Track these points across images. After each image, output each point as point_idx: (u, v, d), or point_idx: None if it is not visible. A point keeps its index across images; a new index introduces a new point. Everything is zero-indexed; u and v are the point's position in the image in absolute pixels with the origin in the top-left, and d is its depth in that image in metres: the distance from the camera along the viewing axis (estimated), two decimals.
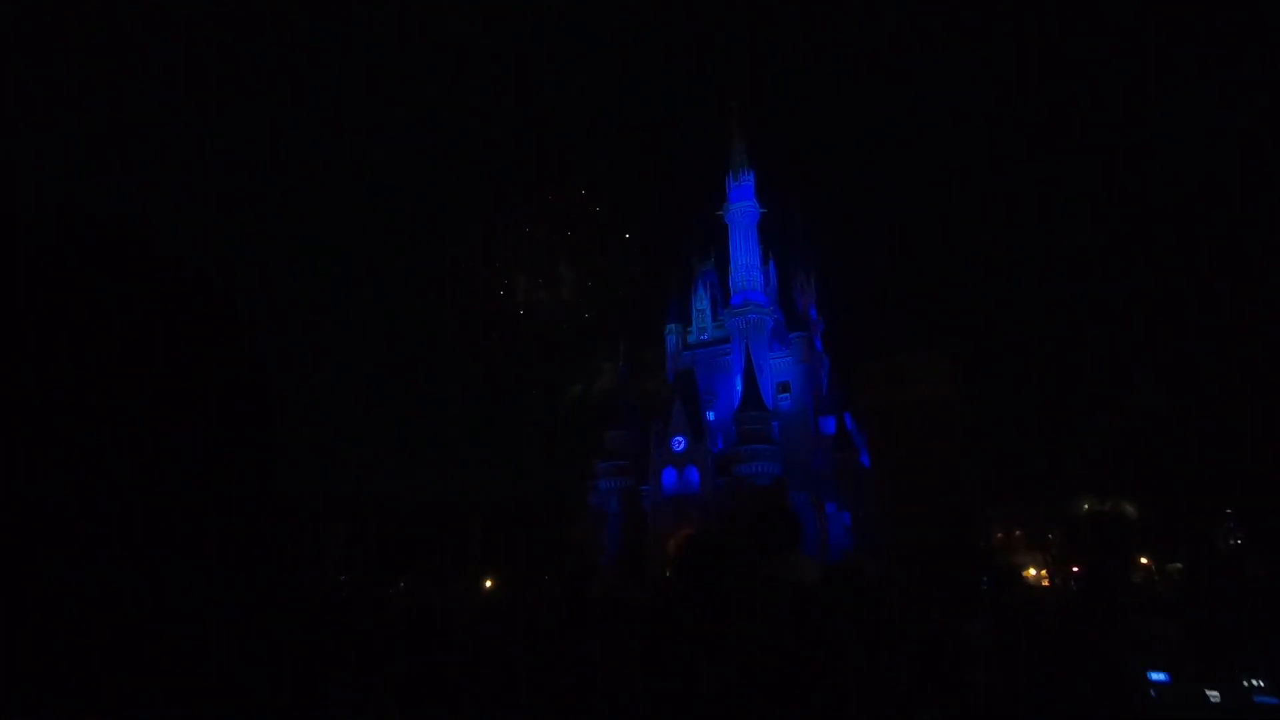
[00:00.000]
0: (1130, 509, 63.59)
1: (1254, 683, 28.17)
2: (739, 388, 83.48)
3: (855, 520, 77.93)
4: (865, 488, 78.90)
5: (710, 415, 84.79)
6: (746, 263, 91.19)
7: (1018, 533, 71.40)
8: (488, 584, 76.03)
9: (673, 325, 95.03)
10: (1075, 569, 60.65)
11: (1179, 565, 56.83)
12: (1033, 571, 67.89)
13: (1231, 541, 58.32)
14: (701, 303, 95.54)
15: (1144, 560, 61.85)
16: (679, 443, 79.34)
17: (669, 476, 78.94)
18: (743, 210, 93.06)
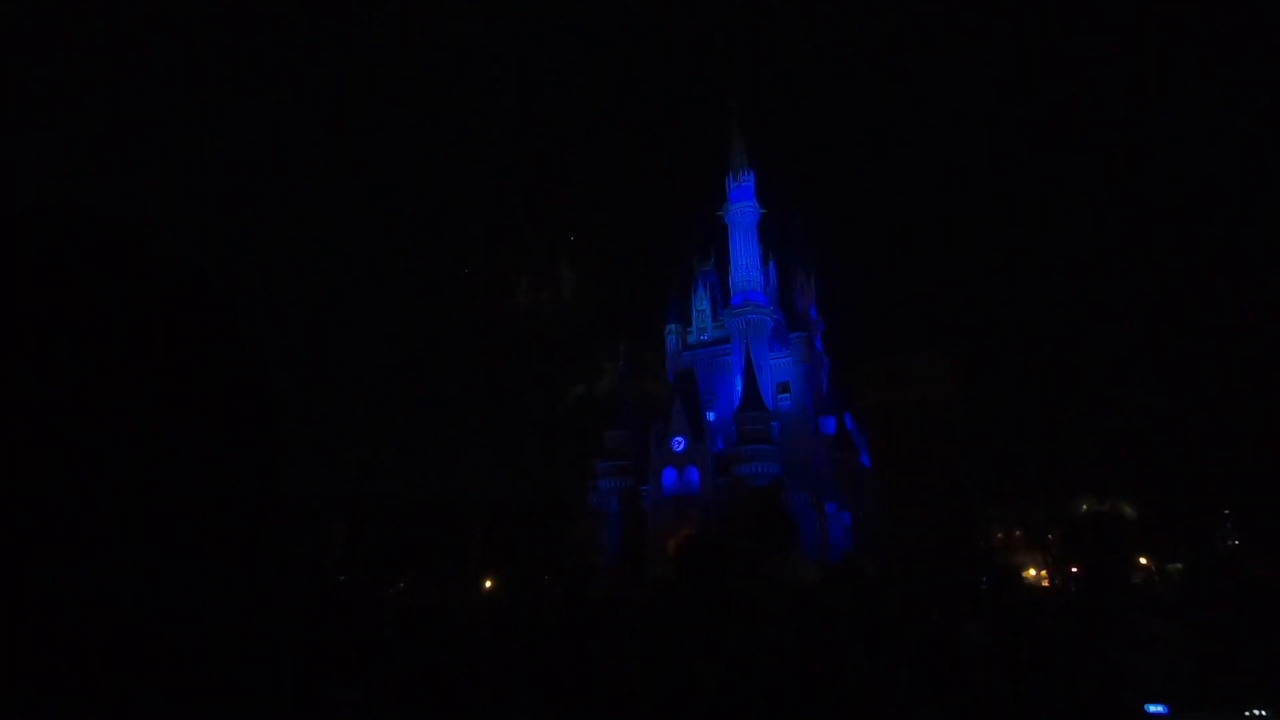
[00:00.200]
0: (1129, 510, 63.57)
1: (1258, 713, 25.05)
2: (739, 388, 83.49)
3: (855, 520, 77.92)
4: (865, 488, 78.87)
5: (710, 415, 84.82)
6: (746, 263, 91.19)
7: (1018, 533, 71.31)
8: (488, 584, 76.00)
9: (673, 325, 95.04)
10: (1074, 569, 60.62)
11: (1179, 566, 56.82)
12: (1033, 572, 67.84)
13: (1230, 542, 58.29)
14: (701, 303, 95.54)
15: (1144, 561, 61.82)
16: (679, 443, 79.35)
17: (669, 476, 78.95)
18: (742, 211, 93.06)
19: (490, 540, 78.65)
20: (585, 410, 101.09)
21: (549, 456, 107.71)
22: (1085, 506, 64.75)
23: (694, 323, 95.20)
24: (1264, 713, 24.13)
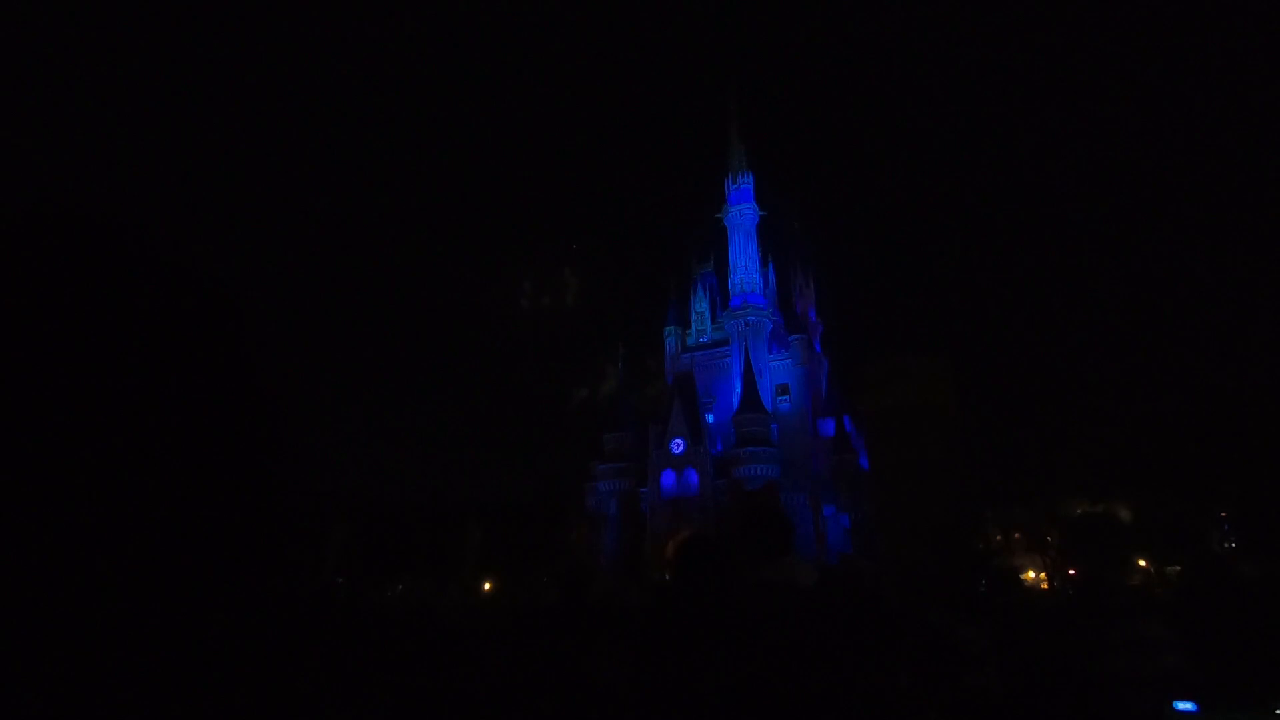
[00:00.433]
0: (1125, 511, 63.57)
1: None
2: (738, 390, 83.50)
3: (853, 522, 77.94)
4: (864, 490, 78.89)
5: (709, 417, 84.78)
6: (745, 265, 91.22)
7: (1017, 535, 71.31)
8: (486, 586, 75.97)
9: (672, 327, 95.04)
10: (1072, 572, 60.63)
11: (1177, 568, 56.82)
12: (1032, 574, 67.85)
13: (1227, 545, 58.33)
14: (701, 305, 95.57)
15: (1142, 563, 61.83)
16: (678, 445, 79.33)
17: (668, 479, 78.92)
18: (741, 213, 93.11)
19: (489, 542, 78.67)
20: (584, 412, 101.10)
21: (547, 458, 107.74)
22: (1082, 509, 64.75)
23: (693, 325, 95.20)
24: None
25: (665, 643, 3.04)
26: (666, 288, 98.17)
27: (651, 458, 79.99)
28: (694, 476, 77.86)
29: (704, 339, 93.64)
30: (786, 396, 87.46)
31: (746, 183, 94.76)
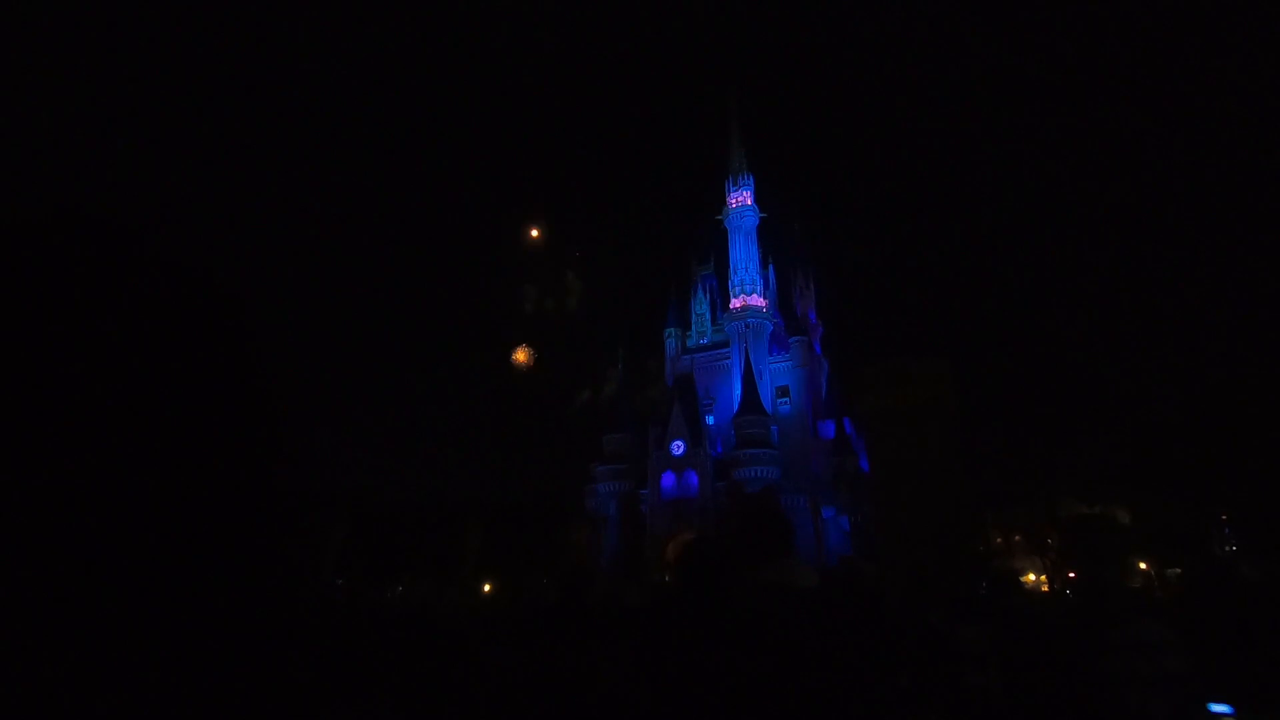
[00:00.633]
0: (1125, 513, 63.59)
1: None
2: (738, 392, 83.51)
3: (853, 524, 77.92)
4: (864, 492, 78.83)
5: (709, 419, 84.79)
6: (746, 267, 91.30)
7: (1017, 537, 71.33)
8: (486, 588, 75.94)
9: (672, 329, 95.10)
10: (1072, 574, 60.60)
11: (1178, 570, 56.81)
12: (1032, 577, 67.83)
13: (1227, 547, 58.33)
14: (701, 306, 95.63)
15: (1143, 565, 61.80)
16: (678, 446, 79.32)
17: (668, 480, 78.92)
18: (742, 214, 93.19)
19: (489, 543, 78.61)
20: (584, 413, 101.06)
21: (547, 459, 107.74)
22: (1082, 510, 64.71)
23: (693, 326, 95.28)
24: None
25: (666, 644, 3.04)
26: (667, 289, 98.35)
27: (651, 459, 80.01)
28: (694, 478, 77.86)
29: (704, 340, 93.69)
30: (786, 398, 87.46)
31: (747, 184, 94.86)
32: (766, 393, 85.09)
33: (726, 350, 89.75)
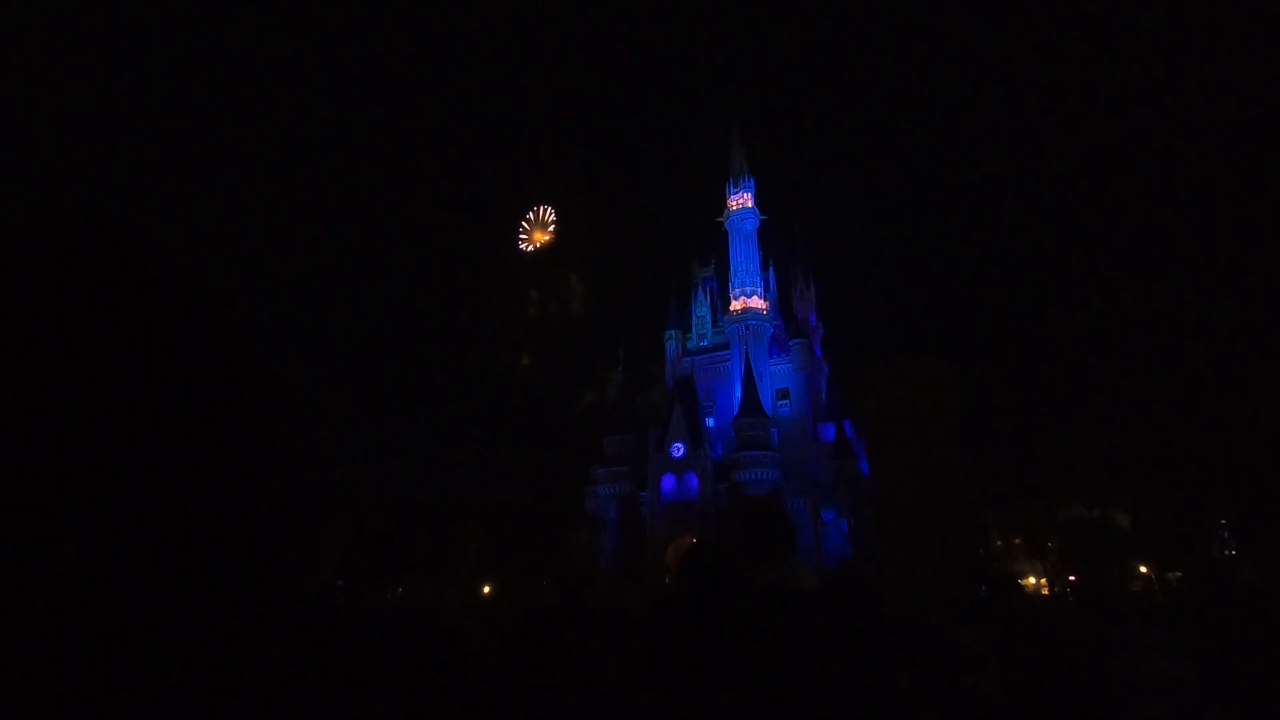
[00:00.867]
0: (1125, 517, 63.55)
1: None
2: (738, 394, 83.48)
3: (854, 527, 77.86)
4: (864, 494, 78.83)
5: (710, 421, 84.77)
6: (746, 269, 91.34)
7: (1017, 541, 71.24)
8: (486, 589, 75.92)
9: (672, 331, 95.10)
10: (1072, 578, 60.59)
11: (1178, 574, 56.80)
12: (1032, 580, 67.78)
13: (1227, 550, 58.33)
14: (701, 309, 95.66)
15: (1143, 569, 61.78)
16: (678, 449, 79.28)
17: (668, 482, 78.87)
18: (742, 217, 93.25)
19: (489, 544, 78.58)
20: (584, 415, 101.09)
21: (547, 461, 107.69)
22: (1083, 513, 64.70)
23: (694, 329, 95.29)
24: None
25: (667, 646, 3.05)
26: (667, 291, 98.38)
27: (652, 461, 79.96)
28: (694, 480, 77.82)
29: (705, 343, 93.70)
30: (787, 401, 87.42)
31: (747, 187, 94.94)
32: (767, 395, 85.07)
33: (727, 352, 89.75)
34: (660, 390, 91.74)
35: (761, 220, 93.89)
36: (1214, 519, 58.42)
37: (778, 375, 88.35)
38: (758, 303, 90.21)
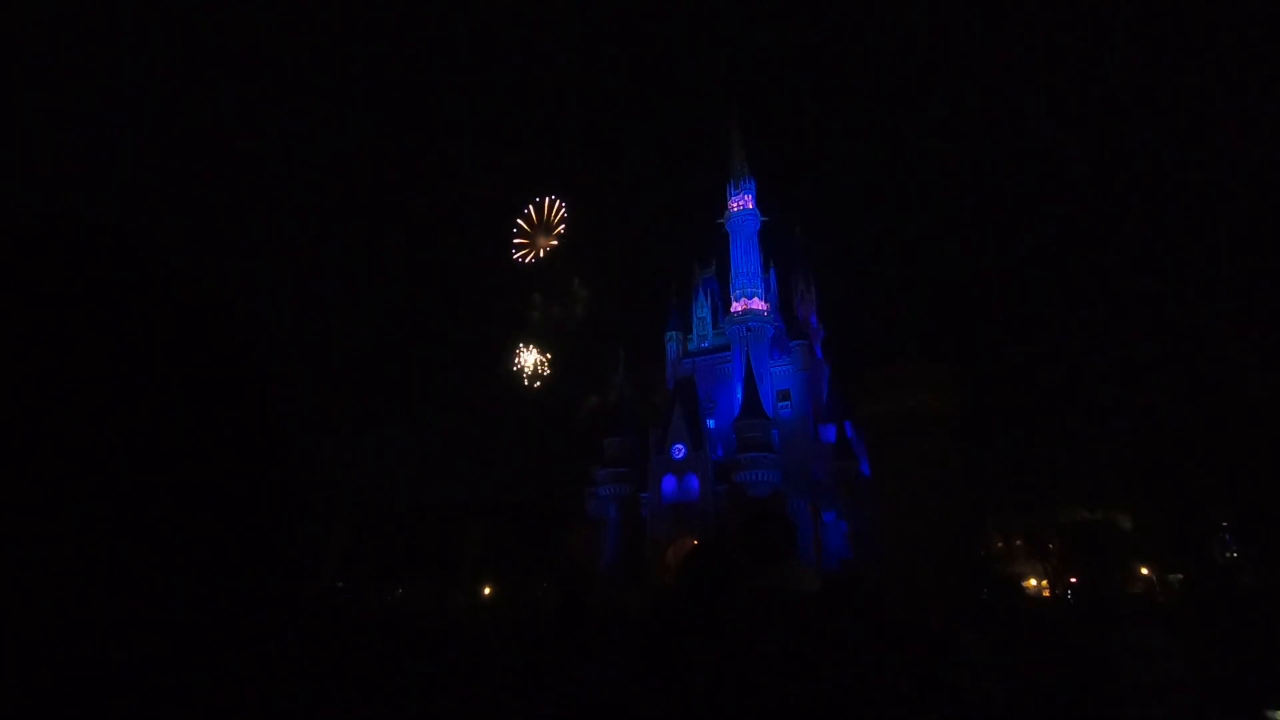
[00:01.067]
0: (1124, 519, 63.49)
1: None
2: (739, 395, 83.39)
3: (854, 529, 77.74)
4: (865, 496, 78.72)
5: (710, 423, 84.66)
6: (747, 270, 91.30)
7: (1018, 542, 71.19)
8: (486, 590, 75.88)
9: (673, 332, 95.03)
10: (1073, 580, 60.55)
11: (1179, 576, 56.76)
12: (1033, 582, 67.72)
13: (1227, 554, 58.24)
14: (702, 310, 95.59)
15: (1144, 571, 61.73)
16: (679, 450, 79.20)
17: (668, 484, 78.77)
18: (743, 218, 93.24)
19: (489, 546, 78.56)
20: (585, 416, 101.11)
21: (548, 462, 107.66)
22: (1084, 515, 64.65)
23: (694, 330, 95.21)
24: None
25: (667, 648, 3.05)
26: (668, 293, 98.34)
27: (652, 462, 79.86)
28: (694, 482, 77.73)
29: (705, 344, 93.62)
30: (788, 402, 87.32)
31: (748, 188, 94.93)
32: (768, 396, 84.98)
33: (728, 354, 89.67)
34: (661, 391, 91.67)
35: (762, 222, 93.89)
36: (1215, 521, 58.33)
37: (778, 377, 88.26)
38: (758, 304, 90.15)
